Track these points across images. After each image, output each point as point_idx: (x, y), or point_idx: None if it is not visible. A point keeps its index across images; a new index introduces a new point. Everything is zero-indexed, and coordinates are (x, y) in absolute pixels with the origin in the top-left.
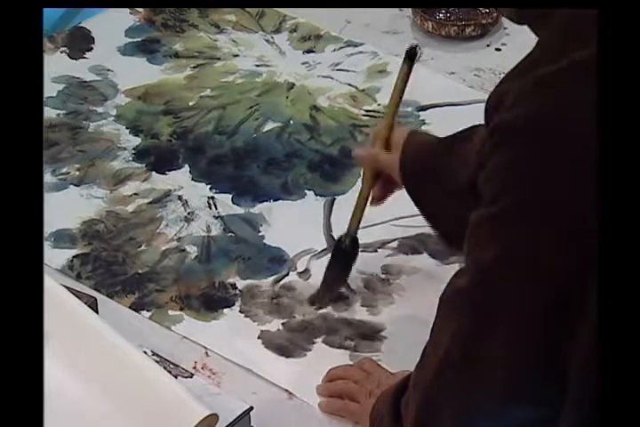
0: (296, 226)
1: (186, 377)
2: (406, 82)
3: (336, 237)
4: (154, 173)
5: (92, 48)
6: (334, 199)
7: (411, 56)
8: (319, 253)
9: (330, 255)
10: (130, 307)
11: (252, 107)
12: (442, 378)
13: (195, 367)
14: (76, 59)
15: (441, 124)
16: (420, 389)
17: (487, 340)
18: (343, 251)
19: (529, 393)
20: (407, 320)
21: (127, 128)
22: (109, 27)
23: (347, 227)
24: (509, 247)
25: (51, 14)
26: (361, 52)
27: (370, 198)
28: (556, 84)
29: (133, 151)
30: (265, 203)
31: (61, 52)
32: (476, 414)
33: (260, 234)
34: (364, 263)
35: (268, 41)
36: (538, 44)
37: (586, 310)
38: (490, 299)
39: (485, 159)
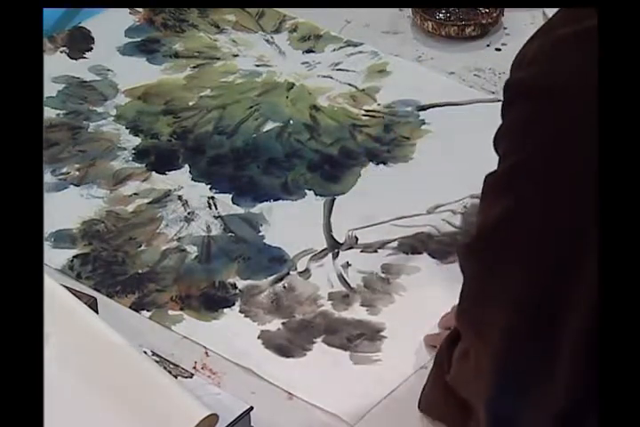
0: (296, 226)
1: (186, 377)
2: None
3: (336, 237)
4: (154, 173)
5: (91, 48)
6: (334, 199)
7: None
8: (319, 252)
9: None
10: (130, 307)
11: (251, 107)
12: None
13: (195, 367)
14: (75, 59)
15: (441, 124)
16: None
17: (489, 292)
18: None
19: (523, 353)
20: (407, 320)
21: (127, 128)
22: (109, 27)
23: None
24: (515, 202)
25: (51, 14)
26: (361, 52)
27: None
28: (573, 44)
29: (133, 151)
30: (265, 203)
31: (61, 52)
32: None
33: (260, 234)
34: (364, 263)
35: (267, 41)
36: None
37: (584, 275)
38: (492, 252)
39: (502, 118)
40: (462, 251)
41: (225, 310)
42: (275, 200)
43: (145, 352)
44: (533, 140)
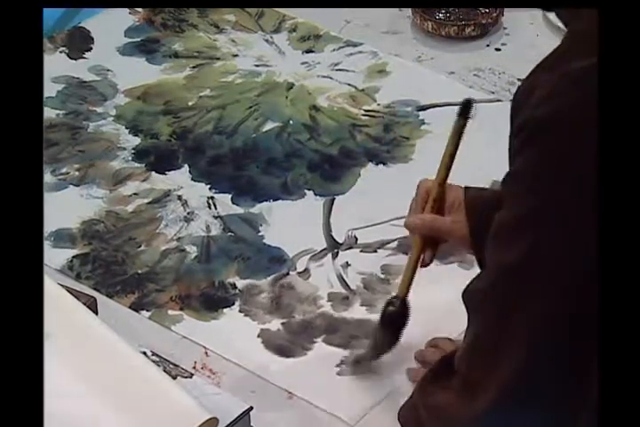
0: (296, 226)
1: (185, 377)
2: (460, 138)
3: (335, 237)
4: (153, 173)
5: (91, 48)
6: (334, 199)
7: (466, 109)
8: (319, 252)
9: (379, 317)
10: (129, 307)
11: (251, 107)
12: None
13: (194, 367)
14: (75, 59)
15: (441, 125)
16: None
17: (506, 340)
18: (393, 314)
19: (545, 395)
20: None
21: (127, 128)
22: (109, 27)
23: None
24: (534, 248)
25: (50, 14)
26: (360, 52)
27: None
28: (587, 80)
29: (133, 151)
30: (265, 203)
31: (61, 53)
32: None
33: (260, 234)
34: (364, 263)
35: (267, 41)
36: (567, 36)
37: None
38: (510, 299)
39: (512, 158)
40: (478, 297)
41: (225, 309)
42: (274, 200)
43: (145, 352)
44: (553, 182)
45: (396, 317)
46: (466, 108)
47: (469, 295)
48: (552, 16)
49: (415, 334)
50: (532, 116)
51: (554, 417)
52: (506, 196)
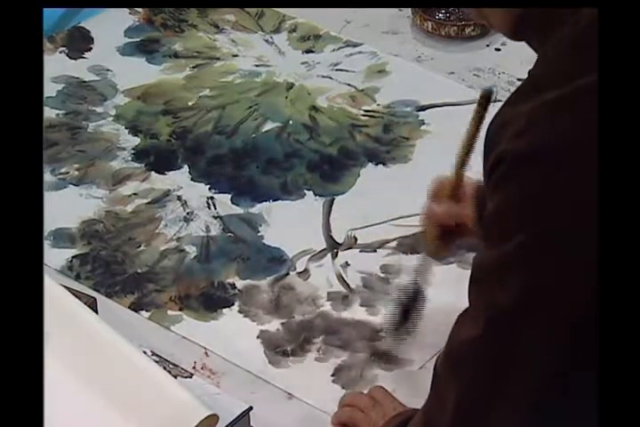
0: (295, 226)
1: (185, 377)
2: (479, 127)
3: (335, 237)
4: (153, 173)
5: (91, 48)
6: (333, 199)
7: (486, 98)
8: (318, 253)
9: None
10: (129, 307)
11: (251, 107)
12: None
13: (194, 367)
14: (75, 59)
15: (440, 125)
16: None
17: (500, 399)
18: (407, 299)
19: None
20: None
21: (126, 128)
22: (109, 27)
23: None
24: (529, 287)
25: (50, 14)
26: (360, 52)
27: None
28: (563, 110)
29: (132, 151)
30: (264, 203)
31: (60, 52)
32: None
33: (260, 234)
34: (363, 263)
35: (267, 41)
36: (538, 63)
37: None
38: (505, 352)
39: (491, 192)
40: (464, 348)
41: (224, 310)
42: (274, 200)
43: (144, 352)
44: (544, 216)
45: (408, 300)
46: (486, 95)
47: (453, 347)
48: None
49: (414, 334)
50: (508, 149)
51: None
52: (487, 236)
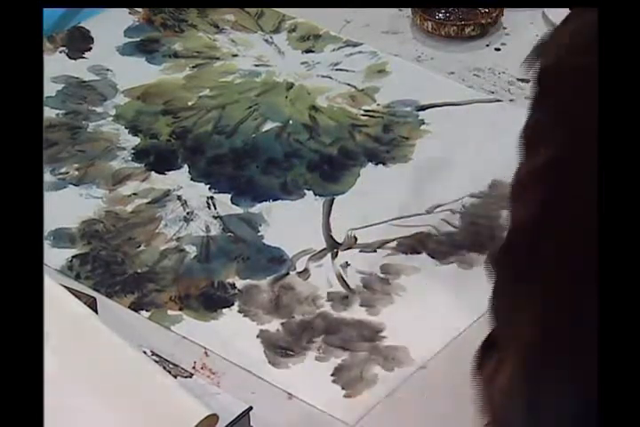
0: (295, 226)
1: (185, 377)
2: None
3: (335, 237)
4: (153, 172)
5: (90, 48)
6: (333, 199)
7: None
8: (318, 252)
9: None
10: (129, 307)
11: (251, 107)
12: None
13: (194, 367)
14: (74, 59)
15: (440, 124)
16: None
17: (521, 297)
18: None
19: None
20: (407, 320)
21: (126, 128)
22: (108, 27)
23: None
24: (547, 203)
25: (50, 14)
26: (360, 52)
27: None
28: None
29: (132, 151)
30: (264, 203)
31: (60, 52)
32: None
33: (260, 234)
34: (363, 263)
35: (267, 41)
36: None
37: None
38: (523, 259)
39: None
40: (490, 259)
41: (224, 310)
42: (274, 200)
43: (144, 352)
44: (575, 127)
45: None
46: None
47: (491, 254)
48: (552, 16)
49: (416, 333)
50: (555, 62)
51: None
52: (521, 150)
